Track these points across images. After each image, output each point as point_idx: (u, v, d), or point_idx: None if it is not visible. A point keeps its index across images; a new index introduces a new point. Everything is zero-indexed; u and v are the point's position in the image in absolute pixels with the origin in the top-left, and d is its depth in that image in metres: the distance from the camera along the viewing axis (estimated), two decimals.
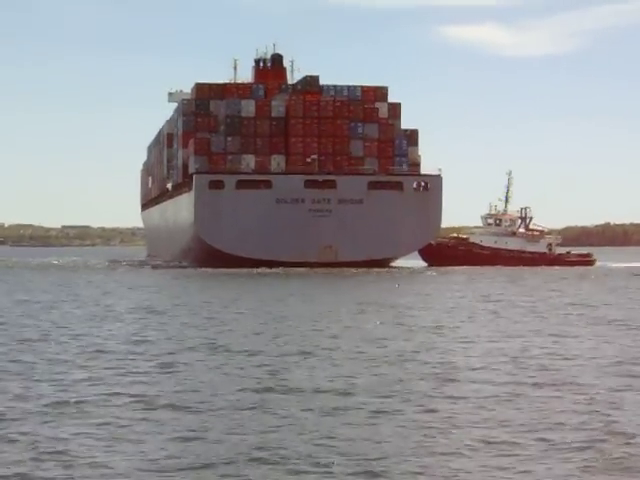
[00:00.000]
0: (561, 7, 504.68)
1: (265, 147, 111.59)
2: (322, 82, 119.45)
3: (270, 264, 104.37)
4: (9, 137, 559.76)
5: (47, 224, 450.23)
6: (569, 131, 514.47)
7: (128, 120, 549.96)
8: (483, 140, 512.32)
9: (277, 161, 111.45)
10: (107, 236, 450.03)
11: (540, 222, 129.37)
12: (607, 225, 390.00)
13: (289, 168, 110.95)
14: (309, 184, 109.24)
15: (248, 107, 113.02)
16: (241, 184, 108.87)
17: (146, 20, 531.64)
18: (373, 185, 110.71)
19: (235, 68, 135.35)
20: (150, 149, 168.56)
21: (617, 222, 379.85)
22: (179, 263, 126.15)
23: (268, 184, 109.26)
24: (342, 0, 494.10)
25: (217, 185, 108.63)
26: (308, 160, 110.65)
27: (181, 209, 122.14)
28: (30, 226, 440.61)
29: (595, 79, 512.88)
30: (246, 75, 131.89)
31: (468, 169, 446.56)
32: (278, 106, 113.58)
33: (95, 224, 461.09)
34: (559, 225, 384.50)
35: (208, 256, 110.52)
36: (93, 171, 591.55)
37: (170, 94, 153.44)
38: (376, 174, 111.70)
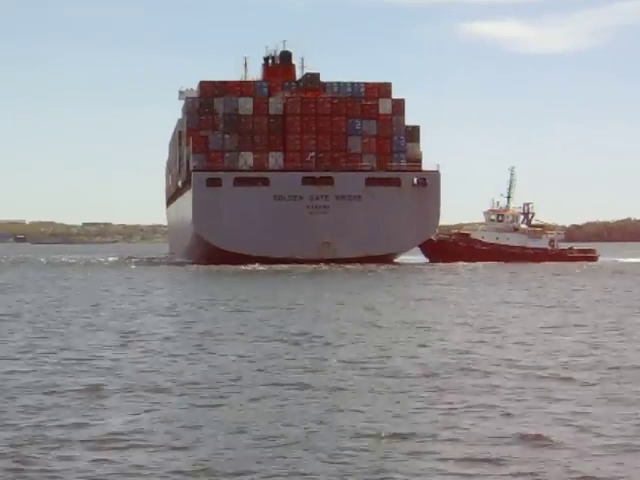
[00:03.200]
0: (583, 3, 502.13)
1: (263, 144, 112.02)
2: (334, 79, 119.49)
3: (268, 261, 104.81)
4: (30, 136, 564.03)
5: (68, 221, 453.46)
6: (589, 127, 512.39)
7: (151, 117, 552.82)
8: (492, 136, 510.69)
9: (275, 158, 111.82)
10: (128, 233, 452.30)
11: (554, 218, 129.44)
12: (628, 220, 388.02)
13: (287, 165, 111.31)
14: (307, 181, 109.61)
15: (246, 105, 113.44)
16: (239, 181, 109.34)
17: (168, 19, 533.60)
18: (371, 181, 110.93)
19: (245, 66, 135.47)
20: (170, 147, 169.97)
21: (638, 217, 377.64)
22: (178, 259, 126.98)
23: (266, 181, 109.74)
24: None
25: (215, 182, 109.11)
26: (308, 159, 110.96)
27: (184, 207, 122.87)
28: (51, 223, 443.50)
29: (615, 75, 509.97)
30: (257, 73, 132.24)
31: (477, 165, 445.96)
32: (276, 103, 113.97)
33: (116, 221, 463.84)
34: (580, 221, 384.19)
35: (207, 253, 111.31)
36: (114, 168, 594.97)
37: (180, 92, 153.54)
38: (374, 170, 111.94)
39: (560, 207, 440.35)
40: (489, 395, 23.07)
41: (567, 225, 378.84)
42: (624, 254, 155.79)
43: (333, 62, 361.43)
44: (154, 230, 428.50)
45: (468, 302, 54.45)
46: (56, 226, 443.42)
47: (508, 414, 20.72)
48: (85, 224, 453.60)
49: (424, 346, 32.66)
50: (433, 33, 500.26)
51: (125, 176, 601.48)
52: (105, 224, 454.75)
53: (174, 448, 17.75)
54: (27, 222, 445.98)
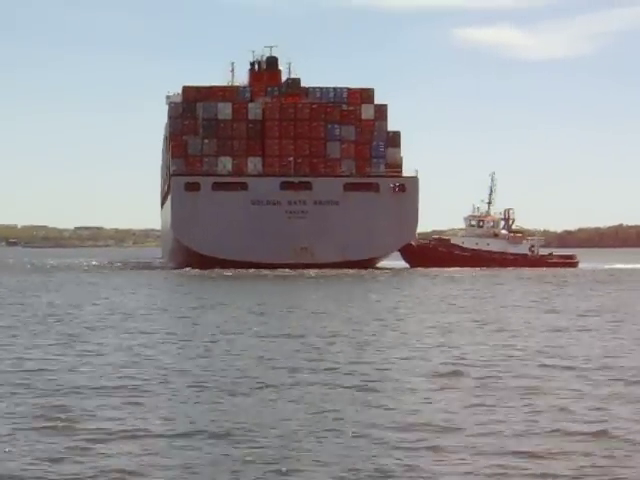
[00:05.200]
0: (580, 9, 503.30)
1: (242, 149, 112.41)
2: (325, 84, 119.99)
3: (246, 265, 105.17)
4: (22, 139, 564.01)
5: (60, 225, 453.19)
6: (583, 132, 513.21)
7: (144, 121, 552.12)
8: (484, 142, 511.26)
9: (254, 163, 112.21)
10: (120, 237, 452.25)
11: (546, 224, 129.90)
12: (620, 226, 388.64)
13: (266, 170, 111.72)
14: (285, 186, 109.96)
15: (225, 110, 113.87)
16: (217, 186, 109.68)
17: (164, 24, 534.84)
18: (349, 187, 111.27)
19: (232, 71, 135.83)
20: (162, 151, 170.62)
21: (630, 223, 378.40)
22: (158, 264, 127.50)
23: (244, 186, 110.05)
24: (353, 2, 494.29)
25: (193, 187, 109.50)
26: (284, 163, 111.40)
27: (167, 211, 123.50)
28: (43, 227, 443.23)
29: (612, 81, 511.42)
30: (244, 78, 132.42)
31: (466, 170, 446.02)
32: (255, 109, 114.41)
33: (108, 225, 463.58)
34: (572, 226, 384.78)
35: (187, 257, 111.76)
36: (107, 172, 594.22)
37: (167, 97, 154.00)
38: (352, 176, 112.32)
39: (552, 213, 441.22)
40: None
41: (559, 231, 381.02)
42: (608, 260, 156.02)
43: (325, 67, 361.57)
44: (146, 234, 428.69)
45: None
46: (48, 230, 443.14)
47: None
48: (77, 228, 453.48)
49: None
50: (427, 39, 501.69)
51: (118, 180, 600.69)
52: (97, 228, 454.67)
53: None
54: (19, 226, 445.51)
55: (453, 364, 29.53)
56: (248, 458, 17.38)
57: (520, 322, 44.87)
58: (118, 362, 29.81)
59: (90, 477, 16.26)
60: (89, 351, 32.63)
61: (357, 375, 27.16)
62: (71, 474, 16.43)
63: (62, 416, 20.87)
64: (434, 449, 18.17)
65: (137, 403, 22.73)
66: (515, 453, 17.86)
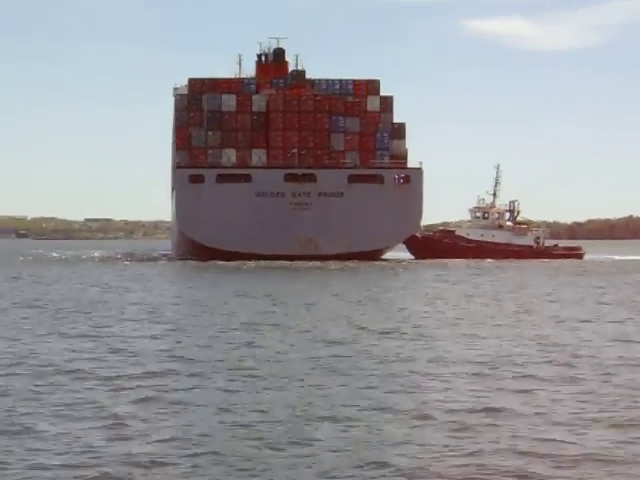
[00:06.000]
0: (588, 0, 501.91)
1: (246, 141, 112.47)
2: (333, 76, 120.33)
3: (250, 257, 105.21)
4: (32, 131, 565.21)
5: (70, 217, 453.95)
6: (593, 124, 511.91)
7: (154, 112, 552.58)
8: (491, 133, 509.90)
9: (258, 155, 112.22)
10: (130, 229, 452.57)
11: (556, 216, 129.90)
12: (630, 218, 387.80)
13: (270, 162, 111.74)
14: (289, 178, 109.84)
15: (229, 102, 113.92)
16: (221, 178, 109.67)
17: (178, 15, 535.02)
18: (353, 178, 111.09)
19: (240, 63, 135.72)
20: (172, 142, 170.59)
21: None
22: (163, 256, 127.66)
23: (248, 178, 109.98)
24: None
25: (197, 179, 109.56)
26: (289, 155, 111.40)
27: (173, 203, 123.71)
28: (53, 219, 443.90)
29: (620, 72, 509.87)
30: (252, 70, 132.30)
31: (470, 162, 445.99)
32: (259, 101, 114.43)
33: (118, 217, 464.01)
34: (582, 218, 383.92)
35: (191, 249, 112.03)
36: (117, 164, 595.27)
37: (175, 89, 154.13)
38: (356, 167, 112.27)
39: (562, 205, 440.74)
40: None
41: (569, 222, 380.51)
42: (616, 252, 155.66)
43: (331, 59, 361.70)
44: (156, 226, 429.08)
45: None
46: (58, 222, 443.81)
47: None
48: (87, 220, 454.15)
49: None
50: (434, 31, 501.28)
51: (128, 172, 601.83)
52: (107, 220, 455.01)
53: None
54: (29, 218, 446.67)
55: (487, 354, 29.82)
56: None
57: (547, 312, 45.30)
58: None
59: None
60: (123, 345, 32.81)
61: (401, 363, 27.66)
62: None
63: None
64: (477, 433, 18.67)
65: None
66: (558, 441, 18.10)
